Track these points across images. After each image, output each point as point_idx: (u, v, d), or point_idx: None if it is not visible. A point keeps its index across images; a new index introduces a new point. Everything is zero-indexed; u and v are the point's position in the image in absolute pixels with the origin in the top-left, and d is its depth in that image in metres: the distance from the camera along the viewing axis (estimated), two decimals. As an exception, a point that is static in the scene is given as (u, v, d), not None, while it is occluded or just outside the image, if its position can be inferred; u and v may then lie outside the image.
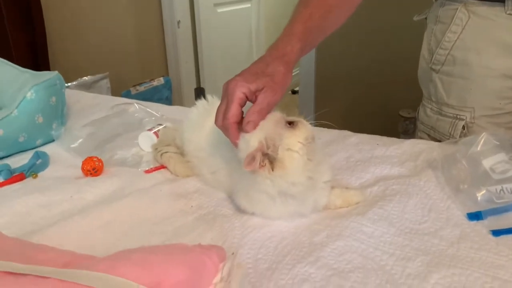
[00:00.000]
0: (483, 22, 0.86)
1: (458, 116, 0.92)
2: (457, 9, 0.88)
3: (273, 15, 3.55)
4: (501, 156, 0.67)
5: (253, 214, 0.65)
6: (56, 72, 1.00)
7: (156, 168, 0.82)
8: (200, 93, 2.94)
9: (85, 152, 0.86)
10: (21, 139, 0.90)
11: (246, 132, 0.60)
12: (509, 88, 0.87)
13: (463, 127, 0.91)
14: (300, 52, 0.68)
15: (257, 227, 0.62)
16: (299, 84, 2.73)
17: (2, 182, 0.79)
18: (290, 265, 0.54)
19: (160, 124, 0.92)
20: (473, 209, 0.62)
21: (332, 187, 0.67)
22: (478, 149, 0.69)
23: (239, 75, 0.63)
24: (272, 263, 0.55)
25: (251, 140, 0.59)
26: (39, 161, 0.86)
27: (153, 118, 1.01)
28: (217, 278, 0.49)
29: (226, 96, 0.62)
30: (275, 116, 0.62)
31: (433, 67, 0.95)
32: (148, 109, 1.05)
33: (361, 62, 2.42)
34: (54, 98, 0.96)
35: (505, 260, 0.53)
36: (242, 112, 0.62)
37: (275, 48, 0.67)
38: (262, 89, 0.61)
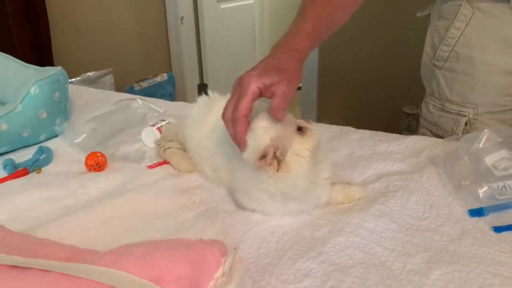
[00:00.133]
0: (487, 18, 0.85)
1: (461, 113, 0.91)
2: (461, 5, 0.88)
3: (276, 11, 3.53)
4: (504, 153, 0.67)
5: (253, 210, 0.65)
6: (60, 67, 1.00)
7: (159, 164, 0.82)
8: (203, 89, 2.93)
9: (89, 147, 0.87)
10: (25, 134, 0.90)
11: (278, 119, 0.60)
12: (513, 84, 0.86)
13: (466, 124, 0.91)
14: (309, 50, 0.68)
15: (258, 222, 0.63)
16: (302, 80, 2.72)
17: (6, 176, 0.79)
18: (291, 260, 0.54)
19: (163, 120, 0.93)
20: (475, 206, 0.62)
21: (334, 183, 0.67)
22: (481, 145, 0.69)
23: (253, 69, 0.61)
24: (274, 258, 0.55)
25: (263, 136, 0.59)
26: (43, 156, 0.86)
27: (156, 114, 1.01)
28: (219, 272, 0.49)
29: (239, 89, 0.61)
30: (287, 118, 0.62)
31: (436, 63, 0.95)
32: (151, 105, 1.05)
33: (364, 58, 2.41)
34: (57, 94, 0.97)
35: (506, 257, 0.53)
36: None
37: (286, 45, 0.66)
38: (278, 83, 0.60)
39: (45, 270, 0.42)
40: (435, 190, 0.68)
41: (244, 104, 0.59)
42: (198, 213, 0.66)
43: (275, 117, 0.60)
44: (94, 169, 0.80)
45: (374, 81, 2.40)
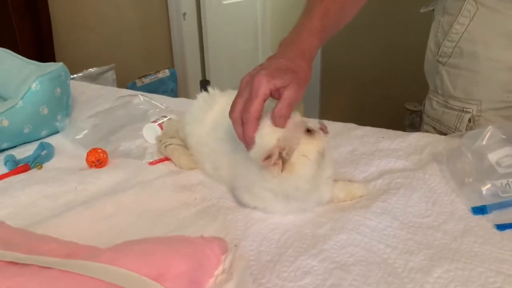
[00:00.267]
0: (492, 14, 0.85)
1: (464, 109, 0.91)
2: (465, 0, 0.87)
3: (279, 8, 3.52)
4: (507, 150, 0.67)
5: (255, 208, 0.65)
6: (61, 63, 1.00)
7: (160, 160, 0.82)
8: (205, 85, 2.93)
9: (90, 143, 0.86)
10: (26, 130, 0.90)
11: (279, 127, 0.59)
12: (517, 81, 0.86)
13: (469, 120, 0.90)
14: (317, 49, 0.67)
15: (260, 219, 0.62)
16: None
17: (7, 172, 0.79)
18: (292, 258, 0.54)
19: (165, 116, 0.92)
20: (478, 203, 0.62)
21: (336, 181, 0.67)
22: (484, 142, 0.68)
23: (264, 69, 0.60)
24: (275, 255, 0.55)
25: (270, 136, 0.59)
26: (44, 152, 0.86)
27: (158, 110, 1.01)
28: (219, 270, 0.49)
29: (249, 89, 0.59)
30: (296, 119, 0.61)
31: (440, 59, 0.94)
32: (152, 101, 1.05)
33: (367, 54, 2.40)
34: (59, 90, 0.96)
35: (509, 255, 0.53)
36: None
37: (294, 44, 0.65)
38: (287, 86, 0.59)
39: (45, 267, 0.42)
40: (437, 187, 0.68)
41: (255, 106, 0.58)
42: (199, 210, 0.66)
43: (275, 125, 0.59)
44: (95, 165, 0.80)
45: (377, 78, 2.39)
